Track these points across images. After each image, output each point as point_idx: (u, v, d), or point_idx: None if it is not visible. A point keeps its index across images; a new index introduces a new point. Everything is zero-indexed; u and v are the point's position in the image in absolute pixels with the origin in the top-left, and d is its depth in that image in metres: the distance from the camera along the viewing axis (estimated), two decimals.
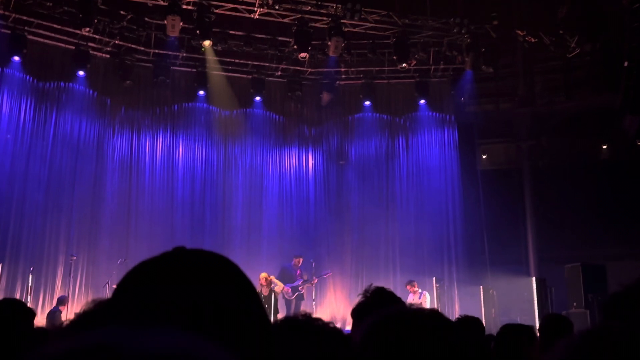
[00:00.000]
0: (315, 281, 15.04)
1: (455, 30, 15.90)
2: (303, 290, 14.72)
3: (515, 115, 17.77)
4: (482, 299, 15.05)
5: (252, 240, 16.44)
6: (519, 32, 15.66)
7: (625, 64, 14.51)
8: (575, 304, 13.55)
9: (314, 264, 15.29)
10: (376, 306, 2.82)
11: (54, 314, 12.10)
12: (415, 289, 14.32)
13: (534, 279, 15.41)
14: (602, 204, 15.83)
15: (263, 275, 13.59)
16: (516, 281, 15.60)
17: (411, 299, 14.13)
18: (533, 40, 15.70)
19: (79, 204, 15.21)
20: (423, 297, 14.20)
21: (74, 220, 15.11)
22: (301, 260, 15.02)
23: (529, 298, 15.01)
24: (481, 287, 15.36)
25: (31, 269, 13.53)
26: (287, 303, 14.55)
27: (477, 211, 16.54)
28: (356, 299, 3.02)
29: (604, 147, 17.56)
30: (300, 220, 17.25)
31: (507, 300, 15.28)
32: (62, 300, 12.55)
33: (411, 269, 15.99)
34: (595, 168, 16.69)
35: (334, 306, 16.66)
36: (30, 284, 13.55)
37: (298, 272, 14.88)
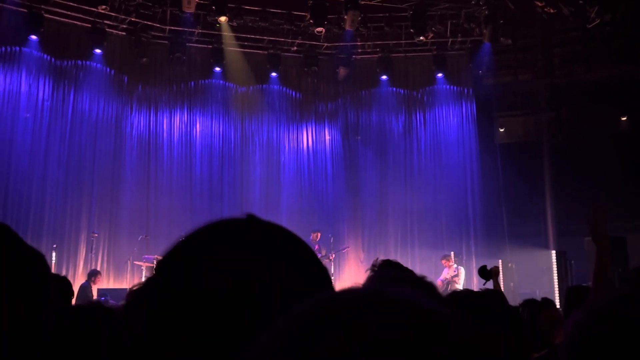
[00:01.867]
0: (333, 257, 15.08)
1: (473, 2, 15.70)
2: None
3: (534, 87, 17.58)
4: (501, 273, 15.01)
5: (270, 215, 16.36)
6: (538, 3, 15.41)
7: None
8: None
9: (332, 239, 15.35)
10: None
11: (85, 289, 12.27)
12: (451, 263, 14.31)
13: (553, 252, 15.35)
14: (621, 175, 15.69)
15: None
16: (535, 254, 15.55)
17: (446, 274, 14.14)
18: (552, 11, 15.45)
19: (99, 182, 15.37)
20: (459, 272, 14.18)
21: (94, 197, 15.27)
22: (319, 235, 15.08)
23: (549, 271, 14.97)
24: (500, 260, 15.31)
25: (54, 246, 13.71)
26: None
27: (495, 184, 16.48)
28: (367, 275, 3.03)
29: (624, 118, 17.33)
30: (318, 195, 17.29)
31: (526, 273, 15.24)
32: (93, 274, 12.70)
33: (430, 242, 16.03)
34: (615, 140, 16.50)
35: (354, 280, 16.73)
36: (53, 262, 13.75)
37: (316, 247, 14.93)
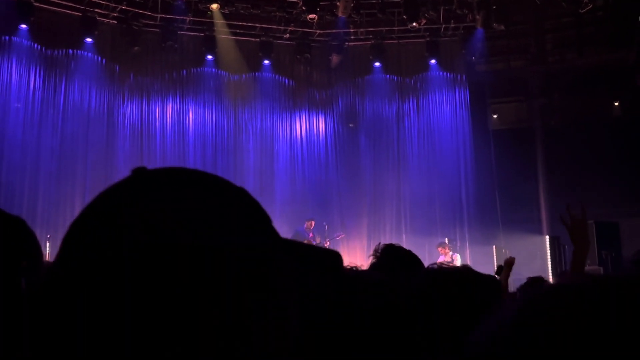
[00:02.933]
0: (327, 244, 15.11)
1: None
2: None
3: (526, 73, 17.58)
4: (495, 258, 15.09)
5: (265, 204, 15.76)
6: None
7: (639, 18, 14.27)
8: (588, 261, 13.52)
9: (327, 227, 15.37)
10: (389, 262, 2.85)
11: None
12: (447, 250, 14.38)
13: (547, 237, 15.42)
14: (614, 161, 15.73)
15: None
16: (529, 240, 15.62)
17: (442, 261, 14.21)
18: None
19: (92, 172, 15.31)
20: (454, 259, 14.25)
21: (87, 187, 15.22)
22: (313, 223, 15.09)
23: (543, 256, 15.05)
24: (494, 246, 15.40)
25: (48, 236, 13.66)
26: None
27: (489, 171, 16.50)
28: (370, 261, 3.02)
29: (616, 104, 17.37)
30: (312, 183, 17.28)
31: (520, 259, 15.23)
32: None
33: (423, 229, 16.06)
34: (608, 125, 16.53)
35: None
36: (47, 252, 13.70)
37: (310, 235, 14.95)
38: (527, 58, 17.74)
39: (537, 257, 15.15)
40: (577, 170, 15.94)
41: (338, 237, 15.93)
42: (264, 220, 0.81)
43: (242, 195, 0.80)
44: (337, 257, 0.85)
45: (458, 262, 14.30)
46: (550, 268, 14.71)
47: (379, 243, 3.15)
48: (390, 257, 2.92)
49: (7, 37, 14.48)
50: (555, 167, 16.68)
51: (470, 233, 16.48)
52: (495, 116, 17.93)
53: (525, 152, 17.06)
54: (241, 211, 0.78)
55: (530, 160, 17.08)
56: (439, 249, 14.53)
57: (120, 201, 0.77)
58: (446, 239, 15.31)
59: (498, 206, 16.50)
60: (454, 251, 14.91)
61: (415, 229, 16.38)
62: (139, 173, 0.80)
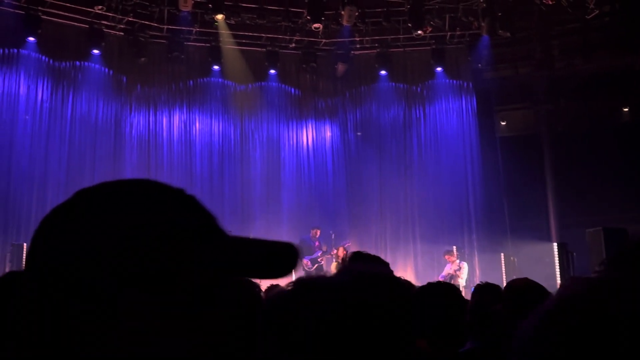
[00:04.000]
0: (334, 252, 15.07)
1: None
2: (323, 262, 14.79)
3: (533, 79, 17.54)
4: (503, 266, 15.03)
5: (272, 213, 16.51)
6: None
7: None
8: (597, 268, 13.45)
9: (333, 235, 15.34)
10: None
11: None
12: (454, 258, 14.33)
13: (555, 244, 15.33)
14: (622, 166, 15.66)
15: None
16: (537, 247, 15.54)
17: (449, 269, 14.16)
18: (550, 2, 15.41)
19: (100, 182, 15.36)
20: (461, 267, 14.20)
21: None
22: (319, 231, 15.06)
23: (551, 263, 14.96)
24: (502, 254, 15.32)
25: None
26: (307, 275, 14.63)
27: (496, 178, 16.46)
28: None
29: (625, 109, 17.30)
30: (319, 192, 17.28)
31: (528, 266, 15.21)
32: None
33: (431, 237, 16.01)
34: (616, 131, 16.47)
35: None
36: None
37: (317, 243, 14.93)
38: (534, 64, 17.69)
39: (545, 265, 15.07)
40: (585, 176, 15.87)
41: (345, 245, 15.90)
42: (204, 214, 0.83)
43: (178, 194, 0.85)
44: (290, 249, 0.76)
45: (465, 270, 14.25)
46: (558, 275, 14.62)
47: (346, 252, 3.13)
48: (357, 264, 2.91)
49: (15, 50, 14.60)
50: (563, 173, 16.62)
51: (478, 240, 16.42)
52: (503, 123, 17.89)
53: (532, 158, 17.01)
54: (179, 205, 0.83)
55: (538, 166, 17.02)
56: (446, 256, 14.48)
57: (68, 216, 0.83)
58: (454, 247, 15.25)
59: (506, 213, 16.44)
60: (462, 259, 14.86)
61: (423, 236, 16.34)
62: (79, 193, 0.87)
